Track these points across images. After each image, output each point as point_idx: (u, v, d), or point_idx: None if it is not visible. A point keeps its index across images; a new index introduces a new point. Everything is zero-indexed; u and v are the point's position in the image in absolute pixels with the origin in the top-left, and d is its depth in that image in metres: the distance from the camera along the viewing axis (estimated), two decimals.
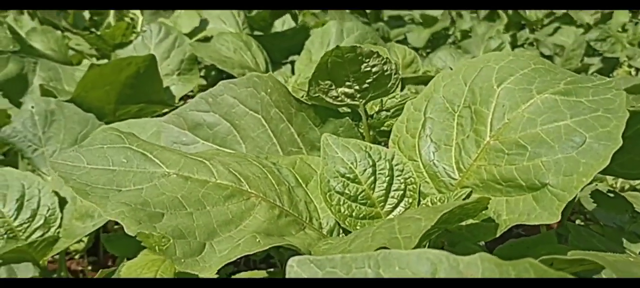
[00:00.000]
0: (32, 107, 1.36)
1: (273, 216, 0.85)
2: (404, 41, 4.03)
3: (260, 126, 1.15)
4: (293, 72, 2.18)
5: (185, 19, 1.98)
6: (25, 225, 1.25)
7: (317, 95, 1.01)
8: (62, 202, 1.29)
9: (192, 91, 1.90)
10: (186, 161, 0.87)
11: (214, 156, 0.92)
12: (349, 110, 1.06)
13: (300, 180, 0.97)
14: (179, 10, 2.02)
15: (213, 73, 2.38)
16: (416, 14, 4.53)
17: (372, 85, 1.00)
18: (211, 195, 0.84)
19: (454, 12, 4.93)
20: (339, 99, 1.02)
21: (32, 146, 1.35)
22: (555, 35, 4.29)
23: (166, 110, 1.61)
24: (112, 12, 1.90)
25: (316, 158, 1.01)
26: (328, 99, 1.02)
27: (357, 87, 1.00)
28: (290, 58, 2.39)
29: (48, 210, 1.27)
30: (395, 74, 0.99)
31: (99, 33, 1.80)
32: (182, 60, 1.81)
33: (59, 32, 1.77)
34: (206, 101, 1.18)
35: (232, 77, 2.24)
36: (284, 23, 2.41)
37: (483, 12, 5.06)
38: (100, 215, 1.16)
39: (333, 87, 1.00)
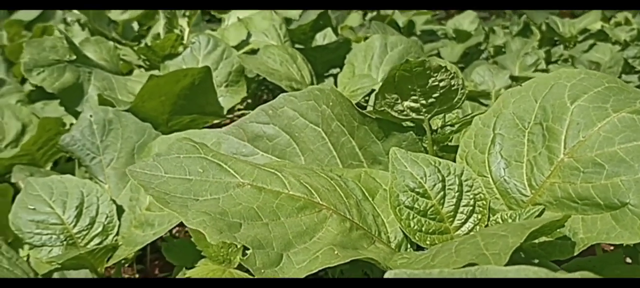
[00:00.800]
0: (91, 116, 1.39)
1: (345, 229, 0.85)
2: (437, 56, 4.02)
3: (320, 139, 1.16)
4: (335, 85, 2.19)
5: (232, 31, 2.01)
6: (84, 232, 1.27)
7: (382, 108, 1.01)
8: (120, 210, 1.31)
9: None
10: (259, 172, 0.87)
11: (283, 168, 0.93)
12: (412, 124, 1.07)
13: (367, 194, 0.97)
14: (227, 22, 2.04)
15: (253, 85, 2.41)
16: (449, 28, 4.52)
17: (438, 99, 1.00)
18: (285, 206, 0.84)
19: (487, 27, 4.91)
20: (404, 112, 1.02)
21: (90, 154, 1.38)
22: (591, 52, 4.24)
23: (216, 121, 1.62)
24: (161, 23, 1.93)
25: (381, 172, 1.01)
26: (393, 113, 1.02)
27: (423, 101, 1.00)
28: (331, 71, 2.41)
29: (106, 218, 1.29)
30: (461, 88, 0.99)
31: (149, 44, 1.83)
32: (230, 72, 1.83)
33: (110, 43, 1.80)
34: (266, 113, 1.19)
35: (279, 89, 2.26)
36: (325, 36, 2.43)
37: (516, 28, 5.04)
38: (160, 224, 1.18)
39: (399, 100, 1.01)
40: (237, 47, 1.96)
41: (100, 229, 1.27)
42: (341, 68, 2.40)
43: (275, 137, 1.18)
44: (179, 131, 1.57)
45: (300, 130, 1.17)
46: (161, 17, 1.95)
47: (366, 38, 2.32)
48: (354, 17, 3.14)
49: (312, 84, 1.96)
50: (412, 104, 1.01)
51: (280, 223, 0.82)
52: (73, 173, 1.49)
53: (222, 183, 0.85)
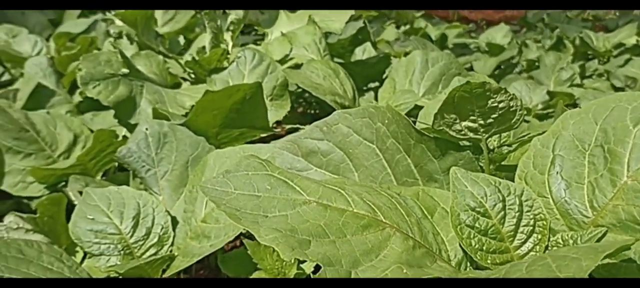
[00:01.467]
0: (146, 129, 1.43)
1: (408, 247, 0.87)
2: (469, 70, 4.01)
3: (374, 155, 1.18)
4: (376, 99, 2.21)
5: (276, 46, 2.04)
6: (140, 243, 1.31)
7: (441, 128, 1.03)
8: (174, 222, 1.35)
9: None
10: (324, 190, 0.90)
11: (346, 185, 0.95)
12: (468, 143, 1.08)
13: (426, 212, 0.98)
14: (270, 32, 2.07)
15: (292, 98, 2.44)
16: (482, 42, 4.52)
17: (496, 120, 1.01)
18: (350, 224, 0.86)
19: (519, 41, 4.88)
20: (462, 132, 1.04)
21: (145, 166, 1.42)
22: (626, 66, 4.19)
23: (263, 134, 1.65)
24: (208, 38, 1.97)
25: (438, 191, 1.03)
26: (451, 132, 1.04)
27: (481, 122, 1.02)
28: (370, 85, 2.43)
29: (161, 229, 1.32)
30: (520, 110, 1.00)
31: (197, 58, 1.88)
32: (275, 86, 1.86)
33: (160, 57, 1.85)
34: (320, 129, 1.21)
35: (317, 102, 2.29)
36: (364, 51, 2.45)
37: (549, 42, 5.01)
38: (217, 236, 1.20)
39: (457, 120, 1.02)
40: (281, 62, 1.99)
41: (155, 240, 1.31)
42: (380, 82, 2.43)
43: (329, 153, 1.20)
44: (228, 144, 1.61)
45: (354, 146, 1.19)
46: (208, 31, 1.99)
47: (406, 53, 2.34)
48: (390, 31, 3.16)
49: (354, 98, 1.98)
50: (471, 124, 1.02)
51: (346, 240, 0.84)
52: (124, 184, 1.54)
53: (290, 200, 0.87)
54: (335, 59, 2.49)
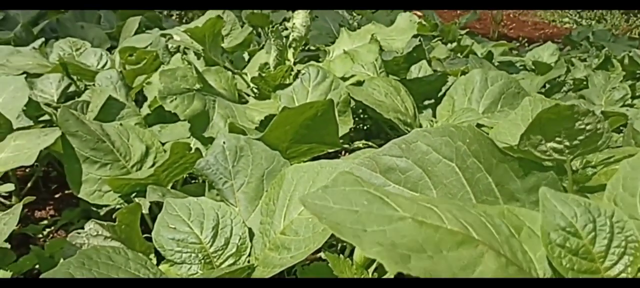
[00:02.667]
0: (224, 142, 1.48)
1: (501, 264, 0.89)
2: None
3: (453, 174, 1.20)
4: (434, 116, 2.23)
5: (338, 63, 2.09)
6: (219, 252, 1.36)
7: (526, 148, 1.05)
8: (250, 233, 1.39)
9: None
10: (418, 207, 0.92)
11: (437, 202, 0.98)
12: (552, 164, 1.10)
13: (513, 231, 1.00)
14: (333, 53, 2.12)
15: None
16: (528, 60, 4.49)
17: (583, 142, 1.03)
18: (445, 240, 0.89)
19: (563, 59, 4.84)
20: (547, 153, 1.06)
21: (222, 178, 1.47)
22: None
23: (330, 150, 1.69)
24: (272, 55, 2.03)
25: (523, 210, 1.05)
26: (536, 153, 1.06)
27: (567, 143, 1.03)
28: (425, 102, 2.45)
29: (239, 239, 1.37)
30: (606, 132, 1.01)
31: (263, 75, 1.93)
32: (338, 102, 1.90)
33: (229, 73, 1.91)
34: (399, 147, 1.24)
35: (371, 119, 2.32)
36: (420, 68, 2.48)
37: (596, 61, 4.95)
38: (297, 249, 1.24)
39: (543, 141, 1.04)
40: (342, 79, 2.03)
41: (234, 250, 1.35)
42: (436, 99, 2.45)
43: (407, 170, 1.23)
44: (296, 158, 1.65)
45: (433, 164, 1.21)
46: (272, 49, 2.05)
47: (463, 72, 2.36)
48: (441, 49, 3.18)
49: (415, 115, 2.01)
50: (556, 145, 1.04)
51: (443, 256, 0.86)
52: (195, 195, 1.59)
53: (386, 216, 0.90)
54: (390, 76, 2.52)
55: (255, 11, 3.92)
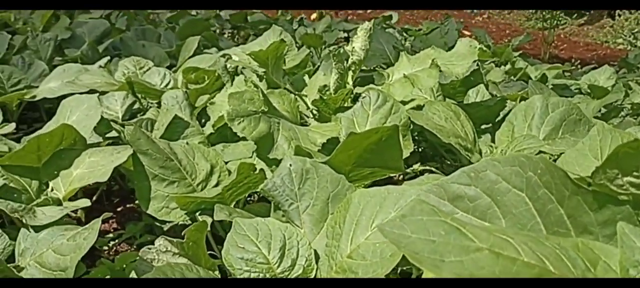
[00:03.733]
0: (290, 164, 1.52)
1: None
2: None
3: (523, 204, 1.20)
4: (493, 141, 2.22)
5: (398, 87, 2.11)
6: (286, 273, 1.39)
7: (601, 182, 1.05)
8: (315, 255, 1.42)
9: None
10: (495, 238, 0.93)
11: (511, 234, 0.98)
12: (627, 198, 1.09)
13: (588, 264, 1.00)
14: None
15: None
16: (583, 83, 4.41)
17: None
18: (522, 273, 0.89)
19: (622, 82, 4.73)
20: (624, 187, 1.05)
21: (288, 200, 1.51)
22: None
23: (392, 174, 1.71)
24: (333, 78, 2.07)
25: (598, 244, 1.04)
26: (612, 187, 1.05)
27: None
28: (483, 126, 2.44)
29: (306, 261, 1.40)
30: None
31: (325, 98, 1.97)
32: (398, 126, 1.92)
33: (291, 96, 1.96)
34: (468, 175, 1.25)
35: (415, 142, 2.32)
36: (478, 93, 2.48)
37: None
38: (364, 273, 1.26)
39: (619, 176, 1.04)
40: (402, 103, 2.05)
41: (300, 271, 1.38)
42: (493, 124, 2.44)
43: (476, 199, 1.23)
44: (358, 182, 1.67)
45: (502, 194, 1.22)
46: (333, 72, 2.09)
47: (523, 97, 2.34)
48: (496, 72, 3.16)
49: (474, 140, 2.01)
50: (634, 180, 1.03)
51: None
52: (259, 215, 1.63)
53: (464, 246, 0.91)
54: (447, 100, 2.53)
55: (308, 32, 3.99)
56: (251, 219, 1.46)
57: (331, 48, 4.28)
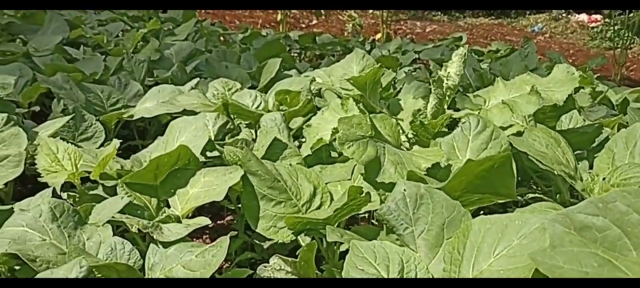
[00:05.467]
0: (404, 189, 1.56)
1: None
2: None
3: None
4: (591, 167, 2.20)
5: (496, 112, 2.12)
6: None
7: None
8: None
9: None
10: None
11: None
12: None
13: None
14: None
15: None
16: None
17: None
18: None
19: None
20: None
21: (403, 224, 1.54)
22: None
23: (501, 200, 1.72)
24: (431, 103, 2.10)
25: None
26: None
27: None
28: (576, 152, 2.41)
29: None
30: None
31: (425, 123, 2.01)
32: (499, 152, 1.93)
33: (393, 120, 2.01)
34: (596, 206, 1.25)
35: (529, 168, 2.30)
36: (571, 119, 2.46)
37: None
38: None
39: None
40: (502, 127, 2.06)
41: None
42: (587, 151, 2.41)
43: (604, 229, 1.23)
44: (466, 207, 1.69)
45: (634, 225, 1.21)
46: (431, 96, 2.13)
47: (621, 124, 2.31)
48: (584, 97, 3.12)
49: (575, 168, 2.00)
50: None
51: None
52: (368, 237, 1.68)
53: (617, 279, 0.93)
54: (538, 125, 2.51)
55: (384, 54, 4.04)
56: (368, 242, 1.51)
57: (406, 69, 4.33)
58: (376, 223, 2.56)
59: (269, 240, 2.09)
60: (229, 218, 2.77)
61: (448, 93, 2.23)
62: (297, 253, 1.72)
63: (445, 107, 2.24)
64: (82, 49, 3.85)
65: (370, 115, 1.91)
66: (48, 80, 2.80)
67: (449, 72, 2.24)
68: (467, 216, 1.51)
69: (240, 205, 2.30)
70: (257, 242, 2.20)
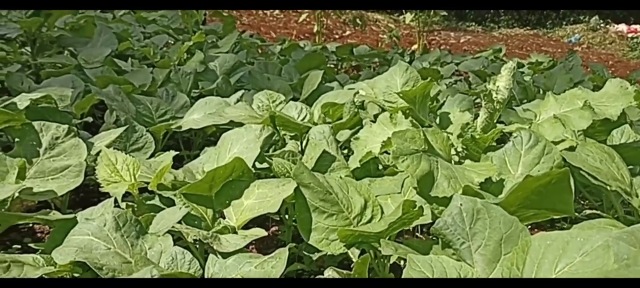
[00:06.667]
0: (461, 204, 1.57)
1: None
2: None
3: None
4: None
5: (548, 127, 2.11)
6: None
7: None
8: None
9: None
10: None
11: None
12: None
13: None
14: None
15: None
16: None
17: None
18: None
19: None
20: None
21: (460, 239, 1.55)
22: None
23: (556, 216, 1.71)
24: (482, 118, 2.10)
25: None
26: None
27: None
28: (629, 167, 2.38)
29: None
30: None
31: (477, 137, 2.01)
32: (552, 167, 1.92)
33: (444, 134, 2.02)
34: None
35: (578, 182, 2.28)
36: (623, 133, 2.42)
37: None
38: None
39: None
40: (554, 142, 2.05)
41: None
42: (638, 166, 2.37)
43: None
44: (521, 222, 1.68)
45: None
46: (482, 111, 2.13)
47: None
48: (634, 110, 3.06)
49: (631, 183, 1.97)
50: None
51: None
52: (420, 250, 1.68)
53: None
54: (589, 140, 2.48)
55: (425, 67, 4.04)
56: (425, 256, 1.51)
57: (446, 81, 4.33)
58: (421, 236, 2.57)
59: (318, 251, 2.12)
60: (273, 228, 2.80)
61: (497, 107, 2.23)
62: (351, 266, 1.74)
63: (495, 121, 2.24)
64: (130, 61, 3.95)
65: (423, 129, 1.92)
66: (101, 92, 2.88)
67: (498, 86, 2.24)
68: (526, 232, 1.51)
69: (286, 216, 2.34)
70: (305, 253, 2.23)
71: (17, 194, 1.85)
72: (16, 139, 2.09)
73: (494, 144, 2.14)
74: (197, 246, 1.86)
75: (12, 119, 2.11)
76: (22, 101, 2.31)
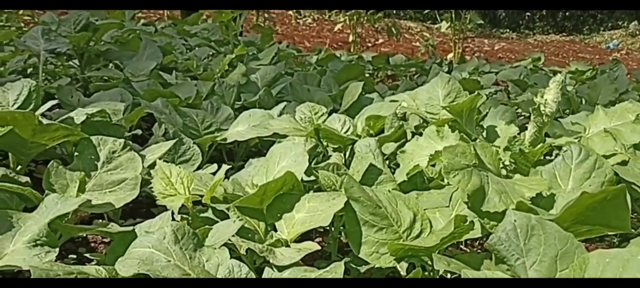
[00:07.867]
0: (515, 220, 1.57)
1: None
2: None
3: None
4: None
5: (598, 141, 2.10)
6: None
7: None
8: None
9: None
10: None
11: None
12: None
13: None
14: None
15: None
16: None
17: None
18: None
19: None
20: None
21: (514, 255, 1.55)
22: None
23: (611, 232, 1.70)
24: (531, 131, 2.10)
25: None
26: None
27: None
28: None
29: None
30: None
31: (526, 151, 2.01)
32: (603, 182, 1.91)
33: (493, 148, 2.02)
34: None
35: None
36: None
37: None
38: None
39: None
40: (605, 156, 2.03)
41: None
42: None
43: None
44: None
45: None
46: (531, 125, 2.13)
47: None
48: None
49: None
50: None
51: None
52: (469, 264, 1.69)
53: None
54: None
55: (465, 77, 4.03)
56: (479, 271, 1.53)
57: (487, 92, 4.31)
58: (465, 249, 2.57)
59: (366, 263, 2.14)
60: (317, 239, 2.83)
61: (546, 120, 2.22)
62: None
63: (544, 134, 2.23)
64: (174, 73, 4.04)
65: (473, 144, 1.93)
66: (150, 105, 2.96)
67: (546, 99, 2.24)
68: (581, 248, 1.51)
69: (332, 228, 2.36)
70: (353, 266, 2.25)
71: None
72: (75, 153, 2.17)
73: (542, 157, 2.13)
74: (247, 258, 1.91)
75: (71, 133, 2.20)
76: (79, 116, 2.39)
